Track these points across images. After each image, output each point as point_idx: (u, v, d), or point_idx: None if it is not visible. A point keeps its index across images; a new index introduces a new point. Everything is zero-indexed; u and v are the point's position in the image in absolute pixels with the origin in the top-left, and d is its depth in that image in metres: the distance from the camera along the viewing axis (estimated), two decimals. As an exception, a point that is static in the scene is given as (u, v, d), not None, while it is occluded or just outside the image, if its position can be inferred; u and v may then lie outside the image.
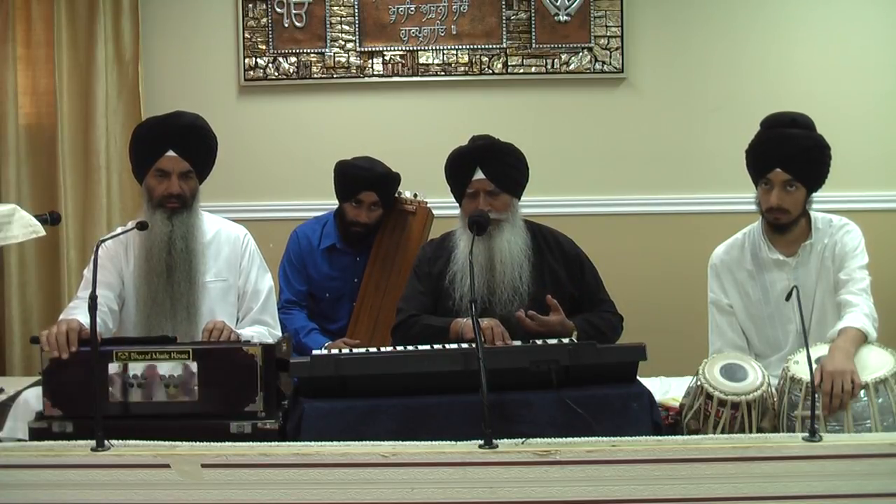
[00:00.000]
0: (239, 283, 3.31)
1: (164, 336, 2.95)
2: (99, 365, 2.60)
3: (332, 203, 3.96)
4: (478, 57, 4.59)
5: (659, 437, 2.58)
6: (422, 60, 4.60)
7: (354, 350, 2.98)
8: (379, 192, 3.82)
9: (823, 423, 2.72)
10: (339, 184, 3.86)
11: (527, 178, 3.35)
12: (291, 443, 2.60)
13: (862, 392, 2.76)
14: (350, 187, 3.82)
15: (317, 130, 4.63)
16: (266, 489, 2.38)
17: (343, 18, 4.58)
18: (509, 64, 4.59)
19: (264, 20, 4.59)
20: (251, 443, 2.55)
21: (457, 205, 3.37)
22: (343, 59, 4.60)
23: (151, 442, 2.48)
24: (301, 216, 4.20)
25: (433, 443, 2.46)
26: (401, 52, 4.60)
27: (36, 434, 2.68)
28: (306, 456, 2.41)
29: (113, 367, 2.67)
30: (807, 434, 2.47)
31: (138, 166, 3.25)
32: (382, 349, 2.92)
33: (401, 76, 4.61)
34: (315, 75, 4.61)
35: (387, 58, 4.60)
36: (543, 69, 4.59)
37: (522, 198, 3.35)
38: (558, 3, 4.56)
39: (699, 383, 2.89)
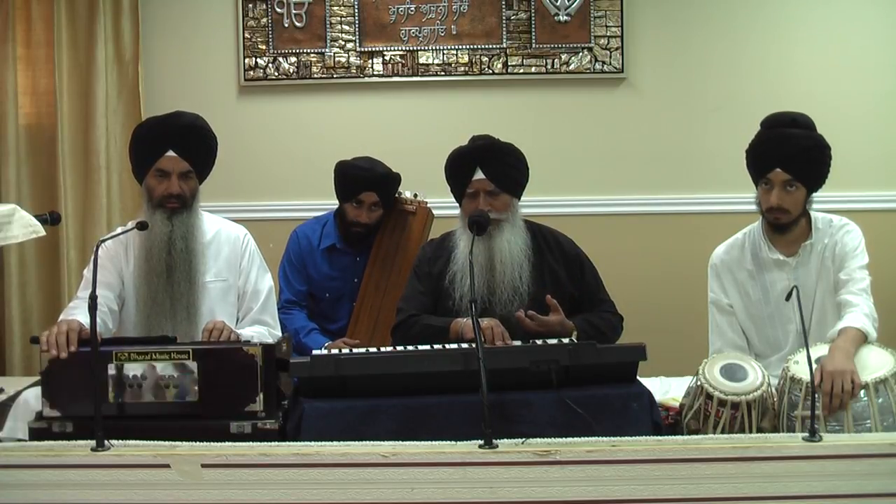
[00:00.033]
0: (239, 283, 3.31)
1: (164, 336, 2.95)
2: (99, 365, 2.60)
3: (332, 203, 3.96)
4: (478, 57, 4.59)
5: (659, 437, 2.58)
6: (422, 60, 4.60)
7: (354, 350, 2.98)
8: (379, 193, 3.82)
9: (823, 423, 2.73)
10: (339, 184, 3.86)
11: (527, 178, 3.35)
12: (291, 443, 2.60)
13: (862, 392, 2.76)
14: (351, 188, 3.82)
15: (317, 130, 4.63)
16: (266, 489, 2.38)
17: (343, 18, 4.58)
18: (509, 64, 4.59)
19: (264, 20, 4.59)
20: (251, 443, 2.55)
21: (457, 205, 3.37)
22: (343, 59, 4.60)
23: (151, 442, 2.48)
24: (301, 216, 4.20)
25: (433, 443, 2.46)
26: (401, 52, 4.60)
27: (36, 434, 2.68)
28: (306, 456, 2.41)
29: (113, 368, 2.67)
30: (807, 434, 2.47)
31: (138, 166, 3.25)
32: (382, 349, 2.92)
33: (401, 76, 4.61)
34: (315, 75, 4.61)
35: (387, 58, 4.60)
36: (543, 69, 4.59)
37: (522, 198, 3.35)
38: (558, 3, 4.56)
39: (699, 383, 2.89)
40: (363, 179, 3.80)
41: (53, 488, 2.40)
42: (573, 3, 4.56)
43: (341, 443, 2.49)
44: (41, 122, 4.62)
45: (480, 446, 2.40)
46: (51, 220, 3.55)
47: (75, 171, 4.56)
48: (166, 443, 2.47)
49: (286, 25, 4.60)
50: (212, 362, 2.69)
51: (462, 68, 4.59)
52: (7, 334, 4.57)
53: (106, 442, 2.45)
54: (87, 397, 2.54)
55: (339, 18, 4.58)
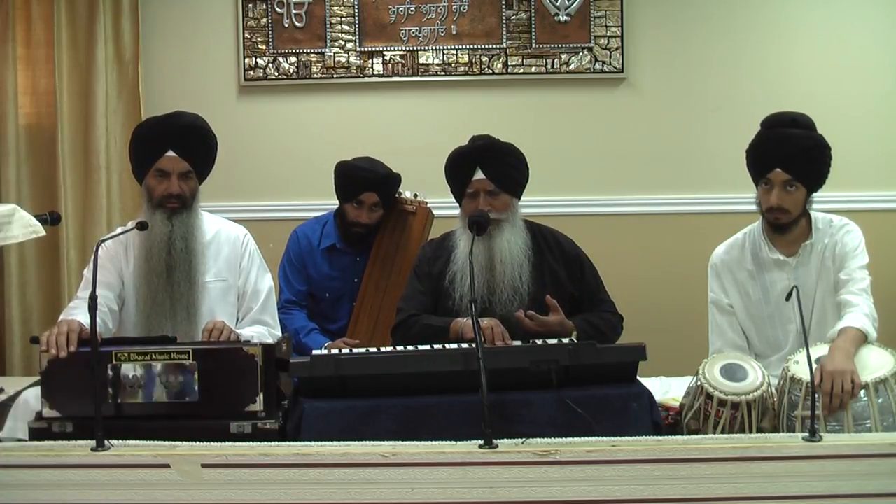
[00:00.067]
0: (239, 283, 3.31)
1: (164, 336, 2.96)
2: (99, 365, 2.60)
3: (332, 203, 3.96)
4: (478, 57, 4.59)
5: (659, 437, 2.58)
6: (422, 60, 4.60)
7: (354, 350, 2.98)
8: (380, 193, 3.82)
9: (823, 423, 2.72)
10: (339, 184, 3.86)
11: (527, 178, 3.35)
12: (291, 443, 2.60)
13: (862, 392, 2.76)
14: (351, 188, 3.82)
15: (317, 130, 4.63)
16: (266, 489, 2.38)
17: (343, 18, 4.58)
18: (509, 64, 4.59)
19: (264, 20, 4.59)
20: (251, 443, 2.55)
21: (457, 205, 3.37)
22: (343, 59, 4.60)
23: (151, 442, 2.48)
24: (301, 216, 4.20)
25: (433, 443, 2.46)
26: (401, 52, 4.60)
27: (36, 434, 2.67)
28: (306, 456, 2.41)
29: (112, 368, 2.67)
30: (807, 434, 2.47)
31: (138, 166, 3.25)
32: (382, 349, 2.92)
33: (401, 76, 4.61)
34: (315, 75, 4.61)
35: (387, 58, 4.60)
36: (543, 69, 4.59)
37: (522, 198, 3.35)
38: (558, 3, 4.56)
39: (699, 383, 2.89)
40: (364, 180, 3.80)
41: (53, 488, 2.40)
42: (573, 3, 4.56)
43: (341, 443, 2.49)
44: (41, 122, 4.62)
45: (480, 446, 2.40)
46: (51, 220, 3.55)
47: (75, 171, 4.56)
48: (166, 443, 2.47)
49: (286, 25, 4.60)
50: (212, 362, 2.69)
51: (462, 68, 4.59)
52: (7, 334, 4.57)
53: (106, 442, 2.45)
54: (87, 397, 2.54)
55: (339, 18, 4.58)
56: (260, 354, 2.70)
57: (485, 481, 2.37)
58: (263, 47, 4.60)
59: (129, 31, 4.55)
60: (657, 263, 4.58)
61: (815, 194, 3.19)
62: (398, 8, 4.58)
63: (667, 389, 3.31)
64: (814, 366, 2.69)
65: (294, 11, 4.59)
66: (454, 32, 4.58)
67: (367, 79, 4.61)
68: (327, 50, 4.59)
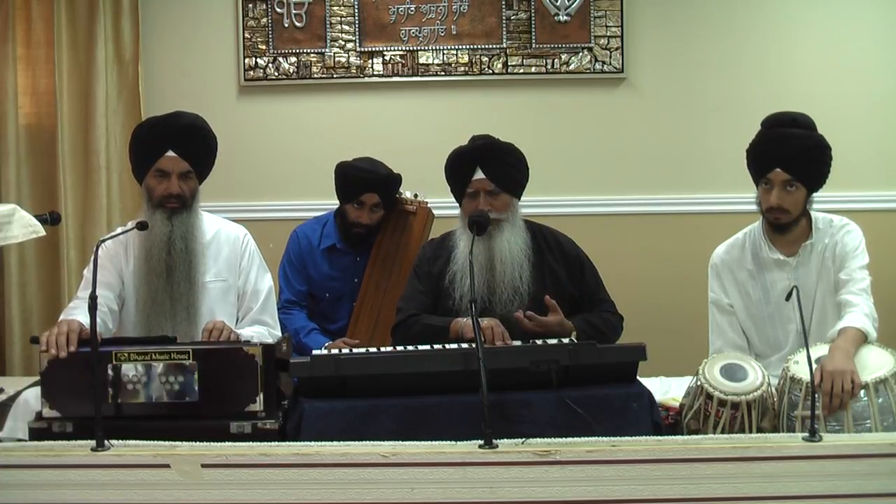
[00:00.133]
0: (239, 283, 3.31)
1: (164, 336, 2.96)
2: (99, 365, 2.60)
3: (332, 203, 3.95)
4: (478, 57, 4.59)
5: (659, 437, 2.58)
6: (422, 60, 4.60)
7: (354, 350, 2.98)
8: (381, 194, 3.82)
9: (823, 423, 2.72)
10: (340, 185, 3.86)
11: (527, 178, 3.35)
12: (291, 443, 2.60)
13: (862, 392, 2.76)
14: (352, 189, 3.82)
15: (317, 130, 4.63)
16: (266, 489, 2.38)
17: (343, 18, 4.58)
18: (509, 64, 4.59)
19: (264, 20, 4.59)
20: (251, 443, 2.55)
21: (457, 205, 3.37)
22: (343, 59, 4.60)
23: (151, 442, 2.48)
24: (301, 216, 4.20)
25: (433, 443, 2.46)
26: (401, 52, 4.60)
27: (36, 434, 2.67)
28: (306, 456, 2.41)
29: (112, 368, 2.67)
30: (807, 434, 2.47)
31: (138, 166, 3.25)
32: (382, 349, 2.92)
33: (401, 76, 4.61)
34: (315, 75, 4.61)
35: (387, 58, 4.60)
36: (543, 69, 4.59)
37: (522, 198, 3.35)
38: (558, 3, 4.56)
39: (699, 383, 2.89)
40: (364, 181, 3.80)
41: (53, 488, 2.40)
42: (573, 3, 4.56)
43: (341, 443, 2.49)
44: (41, 122, 4.62)
45: (480, 446, 2.40)
46: (51, 220, 3.55)
47: (75, 171, 4.56)
48: (166, 443, 2.47)
49: (286, 25, 4.60)
50: (212, 362, 2.69)
51: (462, 68, 4.59)
52: (7, 334, 4.57)
53: (106, 442, 2.45)
54: (87, 397, 2.54)
55: (339, 18, 4.58)
56: (260, 354, 2.70)
57: (485, 481, 2.37)
58: (263, 47, 4.60)
59: (129, 31, 4.55)
60: (657, 263, 4.58)
61: (815, 194, 3.19)
62: (398, 8, 4.58)
63: (667, 389, 3.31)
64: (814, 366, 2.69)
65: (294, 11, 4.59)
66: (454, 32, 4.58)
67: (367, 79, 4.61)
68: (327, 50, 4.59)
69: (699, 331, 3.43)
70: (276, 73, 4.61)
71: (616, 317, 3.35)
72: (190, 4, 4.63)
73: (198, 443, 2.49)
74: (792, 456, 2.40)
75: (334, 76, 4.61)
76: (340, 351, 3.00)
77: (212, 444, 2.50)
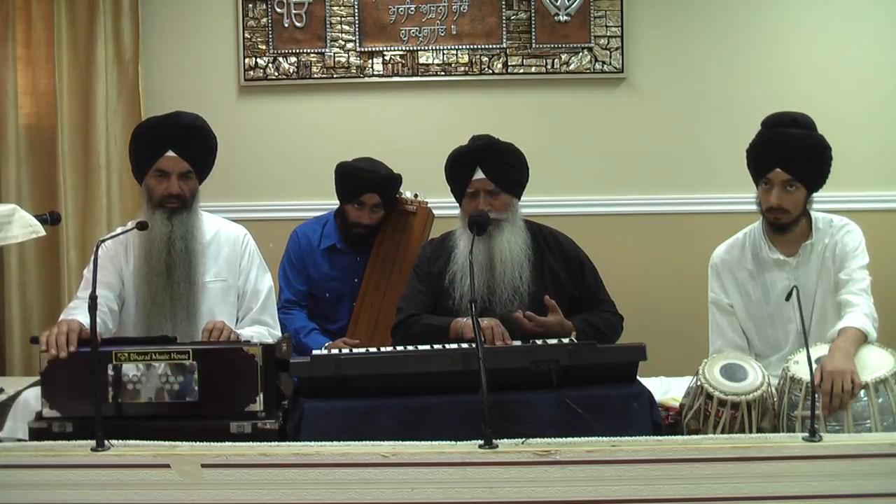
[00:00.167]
0: (238, 283, 3.31)
1: (164, 336, 2.96)
2: (99, 365, 2.60)
3: (332, 203, 3.95)
4: (478, 57, 4.59)
5: (659, 437, 2.58)
6: (422, 60, 4.60)
7: (354, 350, 2.98)
8: (381, 194, 3.82)
9: (823, 423, 2.72)
10: (340, 185, 3.86)
11: (527, 178, 3.35)
12: (291, 443, 2.60)
13: (862, 392, 2.76)
14: (352, 189, 3.82)
15: (317, 130, 4.63)
16: (266, 489, 2.38)
17: (343, 18, 4.58)
18: (509, 64, 4.59)
19: (264, 20, 4.59)
20: (251, 443, 2.55)
21: (457, 205, 3.37)
22: (343, 59, 4.60)
23: (151, 442, 2.48)
24: (301, 216, 4.20)
25: (433, 443, 2.46)
26: (401, 52, 4.60)
27: (36, 434, 2.67)
28: (306, 456, 2.41)
29: (112, 368, 2.67)
30: (807, 434, 2.47)
31: (138, 166, 3.25)
32: (382, 349, 2.92)
33: (401, 76, 4.61)
34: (315, 75, 4.61)
35: (387, 58, 4.60)
36: (543, 69, 4.59)
37: (522, 198, 3.35)
38: (558, 3, 4.56)
39: (699, 383, 2.89)
40: (365, 181, 3.80)
41: (53, 488, 2.40)
42: (573, 3, 4.56)
43: (341, 443, 2.49)
44: (41, 122, 4.62)
45: (480, 446, 2.40)
46: (51, 220, 3.55)
47: (75, 171, 4.56)
48: (166, 443, 2.47)
49: (286, 25, 4.60)
50: (212, 362, 2.69)
51: (462, 68, 4.59)
52: (7, 334, 4.57)
53: (106, 442, 2.45)
54: (87, 397, 2.54)
55: (339, 18, 4.58)
56: (260, 354, 2.70)
57: (485, 481, 2.37)
58: (263, 47, 4.60)
59: (129, 31, 4.55)
60: (657, 263, 4.58)
61: (815, 194, 3.19)
62: (398, 8, 4.58)
63: (667, 389, 3.31)
64: (814, 366, 2.69)
65: (294, 11, 4.59)
66: (454, 32, 4.58)
67: (367, 79, 4.61)
68: (327, 50, 4.59)
69: (699, 331, 3.43)
70: (276, 73, 4.61)
71: (616, 317, 3.35)
72: (190, 4, 4.63)
73: (198, 443, 2.49)
74: (792, 456, 2.40)
75: (334, 76, 4.61)
76: (340, 351, 3.00)
77: (212, 444, 2.50)
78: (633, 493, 2.37)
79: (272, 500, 2.38)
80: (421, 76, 4.60)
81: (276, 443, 2.60)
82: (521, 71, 4.59)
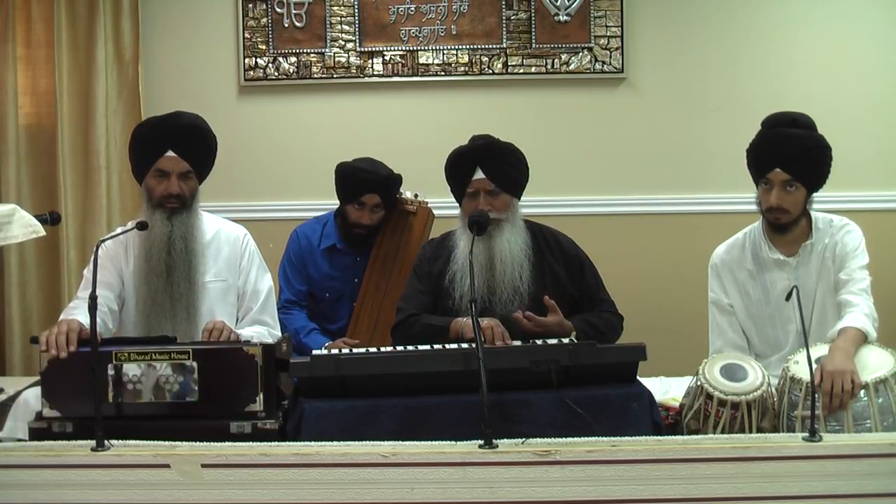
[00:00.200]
0: (238, 283, 3.31)
1: (164, 336, 2.96)
2: (99, 365, 2.60)
3: (332, 203, 3.95)
4: (478, 57, 4.59)
5: (659, 437, 2.58)
6: (422, 60, 4.60)
7: (354, 350, 2.98)
8: (382, 195, 3.82)
9: (823, 423, 2.72)
10: (341, 186, 3.86)
11: (527, 178, 3.35)
12: (291, 443, 2.60)
13: (862, 392, 2.76)
14: (352, 190, 3.82)
15: (317, 130, 4.63)
16: (266, 489, 2.38)
17: (343, 18, 4.58)
18: (509, 64, 4.59)
19: (264, 20, 4.59)
20: (251, 443, 2.55)
21: (457, 205, 3.37)
22: (343, 59, 4.60)
23: (151, 442, 2.48)
24: (301, 216, 4.20)
25: (433, 443, 2.46)
26: (401, 52, 4.60)
27: (36, 434, 2.67)
28: (306, 456, 2.41)
29: (112, 368, 2.67)
30: (807, 434, 2.47)
31: (138, 166, 3.25)
32: (382, 349, 2.92)
33: (401, 76, 4.61)
34: (315, 75, 4.61)
35: (387, 58, 4.60)
36: (543, 69, 4.59)
37: (522, 198, 3.35)
38: (558, 3, 4.56)
39: (699, 383, 2.89)
40: (365, 181, 3.80)
41: (53, 488, 2.40)
42: (573, 3, 4.56)
43: (341, 443, 2.49)
44: (41, 122, 4.62)
45: (480, 446, 2.40)
46: (51, 220, 3.55)
47: (75, 171, 4.56)
48: (166, 443, 2.47)
49: (286, 25, 4.60)
50: (212, 362, 2.69)
51: (462, 68, 4.59)
52: (7, 334, 4.57)
53: (106, 442, 2.45)
54: (87, 397, 2.54)
55: (339, 18, 4.58)
56: (260, 354, 2.70)
57: (485, 481, 2.37)
58: (263, 47, 4.60)
59: (129, 31, 4.55)
60: (657, 263, 4.58)
61: (815, 194, 3.19)
62: (398, 8, 4.58)
63: (667, 389, 3.31)
64: (814, 366, 2.69)
65: (294, 11, 4.59)
66: (454, 32, 4.58)
67: (367, 79, 4.61)
68: (327, 50, 4.59)
69: (699, 331, 3.43)
70: (276, 73, 4.61)
71: (616, 317, 3.35)
72: (190, 4, 4.63)
73: (198, 443, 2.49)
74: (792, 456, 2.40)
75: (334, 76, 4.61)
76: (340, 351, 3.00)
77: (212, 444, 2.50)
78: (633, 493, 2.37)
79: (272, 500, 2.38)
80: (421, 76, 4.60)
81: (276, 443, 2.60)
82: (521, 71, 4.59)
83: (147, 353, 2.68)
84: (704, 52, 4.60)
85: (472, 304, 2.72)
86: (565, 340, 3.02)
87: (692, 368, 2.99)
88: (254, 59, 4.60)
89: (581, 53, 4.58)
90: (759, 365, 2.95)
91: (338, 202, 3.91)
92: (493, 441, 2.41)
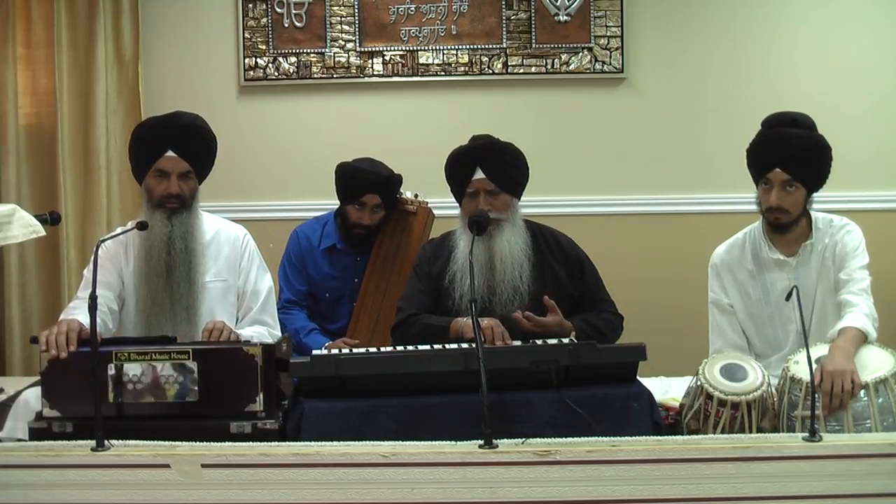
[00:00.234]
0: (238, 283, 3.31)
1: (164, 336, 2.96)
2: (99, 365, 2.60)
3: (332, 203, 3.95)
4: (478, 57, 4.59)
5: (659, 437, 2.58)
6: (422, 60, 4.60)
7: (354, 350, 2.98)
8: (382, 195, 3.82)
9: (823, 423, 2.72)
10: (341, 186, 3.86)
11: (527, 178, 3.35)
12: (291, 443, 2.60)
13: (862, 392, 2.76)
14: (353, 190, 3.82)
15: (317, 130, 4.63)
16: (266, 489, 2.38)
17: (343, 18, 4.58)
18: (509, 64, 4.59)
19: (264, 20, 4.59)
20: (251, 443, 2.55)
21: (457, 205, 3.37)
22: (343, 59, 4.60)
23: (151, 442, 2.48)
24: (301, 216, 4.20)
25: (433, 443, 2.46)
26: (401, 52, 4.60)
27: (36, 434, 2.67)
28: (306, 456, 2.41)
29: (113, 368, 2.67)
30: (807, 434, 2.47)
31: (138, 166, 3.25)
32: (382, 349, 2.92)
33: (401, 76, 4.61)
34: (315, 75, 4.61)
35: (387, 58, 4.60)
36: (543, 69, 4.59)
37: (522, 198, 3.35)
38: (558, 3, 4.56)
39: (699, 383, 2.89)
40: (365, 182, 3.80)
41: (53, 488, 2.40)
42: (573, 3, 4.56)
43: (341, 443, 2.49)
44: (41, 122, 4.62)
45: (480, 446, 2.40)
46: (51, 220, 3.55)
47: (75, 171, 4.56)
48: (166, 443, 2.47)
49: (286, 25, 4.60)
50: (212, 362, 2.69)
51: (462, 68, 4.59)
52: (7, 334, 4.57)
53: (106, 442, 2.45)
54: (87, 397, 2.54)
55: (339, 18, 4.58)
56: (260, 354, 2.70)
57: (485, 481, 2.37)
58: (263, 47, 4.60)
59: (129, 31, 4.55)
60: (657, 263, 4.58)
61: (815, 194, 3.19)
62: (398, 8, 4.58)
63: (667, 389, 3.31)
64: (814, 366, 2.69)
65: (294, 11, 4.59)
66: (454, 32, 4.58)
67: (367, 79, 4.61)
68: (327, 50, 4.59)
69: (699, 331, 3.43)
70: (276, 73, 4.61)
71: (616, 317, 3.35)
72: (190, 4, 4.63)
73: (198, 443, 2.49)
74: (792, 456, 2.40)
75: (334, 76, 4.61)
76: (340, 351, 2.99)
77: (212, 444, 2.50)
78: (633, 493, 2.37)
79: (272, 500, 2.38)
80: (421, 76, 4.61)
81: (276, 443, 2.60)
82: (521, 71, 4.59)
83: (147, 353, 2.68)
84: (704, 52, 4.60)
85: (472, 304, 2.72)
86: (565, 340, 3.02)
87: (692, 368, 2.99)
88: (254, 59, 4.60)
89: (581, 53, 4.58)
90: (759, 365, 2.95)
91: (338, 202, 3.91)
92: (493, 441, 2.41)
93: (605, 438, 2.47)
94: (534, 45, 4.58)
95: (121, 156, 4.53)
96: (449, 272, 3.28)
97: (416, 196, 3.93)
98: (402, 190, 3.92)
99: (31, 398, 2.88)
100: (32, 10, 4.56)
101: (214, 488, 2.39)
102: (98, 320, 2.61)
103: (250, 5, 4.59)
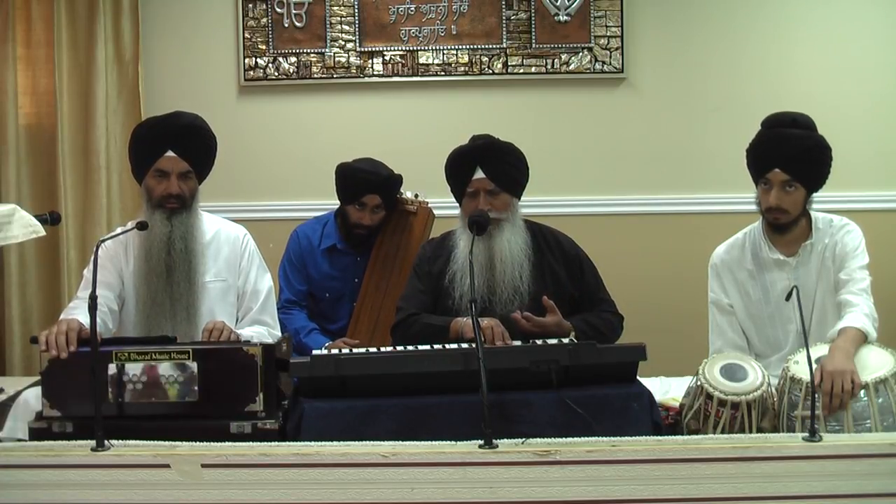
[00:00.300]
0: (238, 283, 3.31)
1: (163, 336, 2.96)
2: (99, 365, 2.60)
3: (332, 203, 3.95)
4: (478, 57, 4.59)
5: (659, 437, 2.58)
6: (422, 60, 4.60)
7: (354, 350, 2.98)
8: (382, 195, 3.82)
9: (823, 423, 2.72)
10: (341, 186, 3.86)
11: (527, 178, 3.35)
12: (291, 443, 2.60)
13: (862, 392, 2.76)
14: (353, 190, 3.82)
15: (317, 130, 4.63)
16: (266, 489, 2.38)
17: (343, 18, 4.58)
18: (509, 64, 4.59)
19: (264, 20, 4.59)
20: (251, 443, 2.55)
21: (457, 205, 3.37)
22: (343, 59, 4.60)
23: (151, 442, 2.48)
24: (301, 216, 4.20)
25: (433, 443, 2.46)
26: (401, 52, 4.60)
27: (36, 434, 2.67)
28: (306, 456, 2.41)
29: (113, 368, 2.67)
30: (807, 434, 2.47)
31: (138, 166, 3.26)
32: (382, 349, 2.92)
33: (401, 76, 4.61)
34: (315, 75, 4.61)
35: (387, 58, 4.60)
36: (543, 69, 4.59)
37: (522, 198, 3.35)
38: (558, 3, 4.56)
39: (699, 383, 2.89)
40: (365, 182, 3.80)
41: (53, 488, 2.40)
42: (573, 3, 4.56)
43: (341, 443, 2.49)
44: (41, 122, 4.62)
45: (480, 446, 2.40)
46: (51, 220, 3.55)
47: (75, 171, 4.56)
48: (166, 443, 2.47)
49: (286, 25, 4.60)
50: (212, 362, 2.69)
51: (462, 68, 4.59)
52: (7, 334, 4.57)
53: (106, 442, 2.45)
54: (87, 397, 2.54)
55: (339, 18, 4.58)
56: (260, 354, 2.70)
57: (485, 481, 2.37)
58: (263, 47, 4.60)
59: (129, 31, 4.55)
60: (657, 263, 4.58)
61: (815, 194, 3.19)
62: (398, 8, 4.58)
63: (667, 389, 3.31)
64: (814, 366, 2.69)
65: (294, 11, 4.59)
66: (454, 32, 4.58)
67: (367, 79, 4.61)
68: (327, 50, 4.59)
69: (699, 331, 3.43)
70: (276, 73, 4.61)
71: (616, 317, 3.35)
72: (190, 4, 4.63)
73: (198, 443, 2.49)
74: (792, 456, 2.40)
75: (334, 76, 4.61)
76: (340, 351, 2.99)
77: (212, 444, 2.50)
78: (633, 493, 2.37)
79: (272, 500, 2.38)
80: (421, 76, 4.61)
81: (276, 443, 2.60)
82: (521, 71, 4.59)
83: (147, 353, 2.68)
84: (704, 52, 4.60)
85: (472, 304, 2.72)
86: (565, 340, 3.01)
87: (692, 368, 2.99)
88: (254, 59, 4.60)
89: (581, 53, 4.58)
90: (759, 365, 2.95)
91: (338, 202, 3.91)
92: (493, 441, 2.41)
93: (605, 438, 2.47)
94: (534, 45, 4.58)
95: (121, 156, 4.53)
96: (449, 272, 3.28)
97: (416, 196, 3.93)
98: (402, 190, 3.92)
99: (31, 398, 2.88)
100: (32, 10, 4.56)
101: (214, 488, 2.39)
102: (98, 320, 2.61)
103: (250, 5, 4.59)
